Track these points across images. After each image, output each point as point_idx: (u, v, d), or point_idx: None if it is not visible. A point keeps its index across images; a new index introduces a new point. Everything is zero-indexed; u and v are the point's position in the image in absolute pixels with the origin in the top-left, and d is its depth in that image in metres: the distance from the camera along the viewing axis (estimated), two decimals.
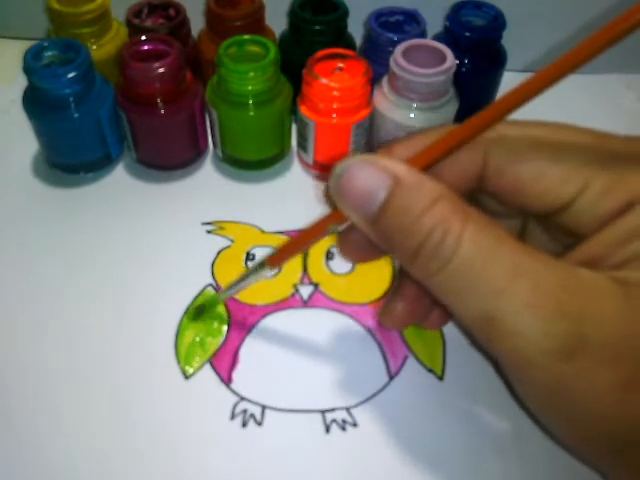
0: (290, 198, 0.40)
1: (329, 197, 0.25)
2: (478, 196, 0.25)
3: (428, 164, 0.21)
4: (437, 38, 0.42)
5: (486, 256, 0.19)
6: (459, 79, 0.38)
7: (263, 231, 0.38)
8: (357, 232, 0.24)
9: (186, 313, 0.34)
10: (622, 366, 0.19)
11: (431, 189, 0.20)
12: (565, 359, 0.19)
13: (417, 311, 0.28)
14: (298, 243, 0.27)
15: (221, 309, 0.34)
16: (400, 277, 0.28)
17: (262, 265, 0.28)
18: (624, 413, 0.20)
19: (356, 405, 0.30)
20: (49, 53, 0.37)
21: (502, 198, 0.24)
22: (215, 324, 0.33)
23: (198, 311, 0.33)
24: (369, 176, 0.20)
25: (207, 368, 0.32)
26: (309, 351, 0.32)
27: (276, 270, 0.29)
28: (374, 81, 0.38)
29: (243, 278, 0.30)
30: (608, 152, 0.22)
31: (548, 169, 0.22)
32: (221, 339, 0.33)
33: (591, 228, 0.22)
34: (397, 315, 0.28)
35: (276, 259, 0.28)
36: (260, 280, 0.29)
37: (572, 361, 0.19)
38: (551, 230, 0.25)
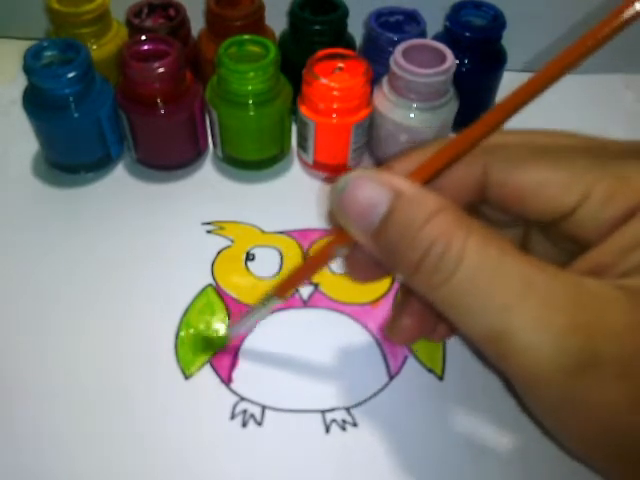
0: (290, 198, 0.40)
1: (333, 218, 0.25)
2: (480, 206, 0.25)
3: (429, 177, 0.21)
4: (437, 38, 0.42)
5: (491, 269, 0.19)
6: (459, 79, 0.38)
7: (263, 231, 0.38)
8: (362, 251, 0.24)
9: (186, 314, 0.34)
10: (632, 380, 0.19)
11: (432, 201, 0.20)
12: (577, 375, 0.19)
13: (424, 325, 0.28)
14: (305, 270, 0.26)
15: (221, 309, 0.34)
16: (404, 293, 0.28)
17: (270, 298, 0.27)
18: (635, 427, 0.20)
19: (356, 405, 0.30)
20: (49, 53, 0.37)
21: (504, 208, 0.24)
22: (215, 324, 0.33)
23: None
24: (370, 190, 0.20)
25: (207, 368, 0.32)
26: (309, 351, 0.32)
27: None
28: (374, 81, 0.38)
29: (251, 314, 0.29)
30: (608, 158, 0.22)
31: (549, 177, 0.22)
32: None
33: (595, 235, 0.22)
34: (405, 331, 0.27)
35: (284, 289, 0.27)
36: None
37: (583, 377, 0.19)
38: (554, 238, 0.25)
